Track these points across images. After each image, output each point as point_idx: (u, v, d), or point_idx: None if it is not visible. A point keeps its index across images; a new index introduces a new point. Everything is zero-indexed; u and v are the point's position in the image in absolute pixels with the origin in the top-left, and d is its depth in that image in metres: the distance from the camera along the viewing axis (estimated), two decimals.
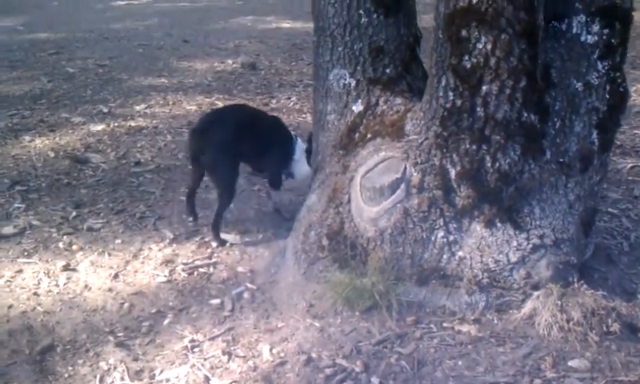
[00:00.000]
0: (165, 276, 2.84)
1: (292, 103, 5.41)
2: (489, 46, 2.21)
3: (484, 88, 2.26)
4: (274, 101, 5.48)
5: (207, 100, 5.50)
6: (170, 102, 5.47)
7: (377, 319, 2.41)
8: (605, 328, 2.33)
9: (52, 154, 4.29)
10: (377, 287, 2.41)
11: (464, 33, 2.23)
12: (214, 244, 3.10)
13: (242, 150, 3.11)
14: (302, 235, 2.66)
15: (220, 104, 5.32)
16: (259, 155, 3.21)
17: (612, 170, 3.89)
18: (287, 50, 7.48)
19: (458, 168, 2.38)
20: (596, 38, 2.40)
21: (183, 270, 2.87)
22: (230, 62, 6.84)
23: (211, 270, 2.88)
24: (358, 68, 2.74)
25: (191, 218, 3.30)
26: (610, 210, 3.39)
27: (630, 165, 3.98)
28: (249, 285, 2.73)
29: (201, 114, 5.13)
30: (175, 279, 2.82)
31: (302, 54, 7.13)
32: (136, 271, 2.90)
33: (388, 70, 2.75)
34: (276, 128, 3.26)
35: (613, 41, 2.42)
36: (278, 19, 9.31)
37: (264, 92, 5.72)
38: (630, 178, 3.80)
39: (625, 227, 3.21)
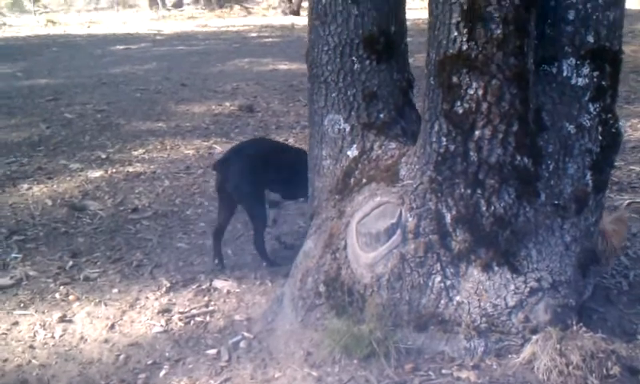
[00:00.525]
0: (161, 325, 2.82)
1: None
2: (480, 92, 2.23)
3: (477, 133, 2.28)
4: None
5: (205, 143, 5.53)
6: (168, 147, 5.49)
7: (375, 367, 2.38)
8: (605, 371, 2.30)
9: (50, 202, 4.30)
10: (374, 334, 2.39)
11: (455, 79, 2.25)
12: (265, 264, 3.23)
13: (268, 177, 3.23)
14: (299, 282, 2.65)
15: (218, 148, 5.35)
16: (288, 182, 3.30)
17: (609, 207, 3.88)
18: (284, 91, 7.55)
19: (454, 212, 2.38)
20: (586, 80, 2.43)
21: (180, 320, 2.85)
22: (227, 104, 6.90)
23: (208, 318, 2.86)
24: (352, 113, 2.76)
25: (217, 261, 3.31)
26: None
27: (628, 201, 3.98)
28: (246, 333, 2.71)
29: (198, 157, 5.16)
30: (172, 329, 2.80)
31: (298, 96, 7.19)
32: (132, 321, 2.88)
33: (382, 115, 2.77)
34: (302, 155, 3.28)
35: (603, 83, 2.45)
36: (274, 61, 9.42)
37: (261, 134, 5.76)
38: (628, 215, 3.79)
39: (623, 266, 3.20)
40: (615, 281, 3.06)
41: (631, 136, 5.30)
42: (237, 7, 21.79)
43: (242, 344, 2.64)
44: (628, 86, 6.86)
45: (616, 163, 4.59)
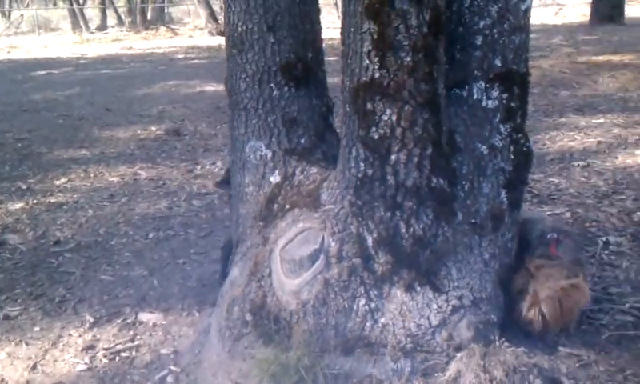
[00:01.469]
0: (85, 363, 2.74)
1: (217, 168, 5.41)
2: (394, 118, 2.28)
3: (393, 157, 2.33)
4: (198, 167, 5.47)
5: (130, 170, 5.44)
6: (92, 175, 5.38)
7: None
8: None
9: None
10: (302, 361, 2.39)
11: (369, 106, 2.30)
12: None
13: None
14: (226, 311, 2.63)
15: (143, 173, 5.28)
16: None
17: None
18: (211, 113, 7.51)
19: (375, 235, 2.42)
20: (496, 102, 2.52)
21: (104, 356, 2.78)
22: (153, 128, 6.82)
23: (134, 353, 2.80)
24: (273, 139, 2.78)
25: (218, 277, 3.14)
26: None
27: (547, 212, 4.12)
28: (172, 367, 2.67)
29: (123, 185, 5.07)
30: (96, 366, 2.73)
31: (226, 118, 7.15)
32: (55, 360, 2.79)
33: (303, 140, 2.80)
34: None
35: (512, 104, 2.54)
36: (201, 83, 9.36)
37: (188, 158, 5.71)
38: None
39: None
40: None
41: (550, 149, 5.51)
42: (162, 29, 21.57)
43: (169, 378, 2.60)
44: (547, 100, 7.13)
45: (535, 176, 4.80)
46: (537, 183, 4.67)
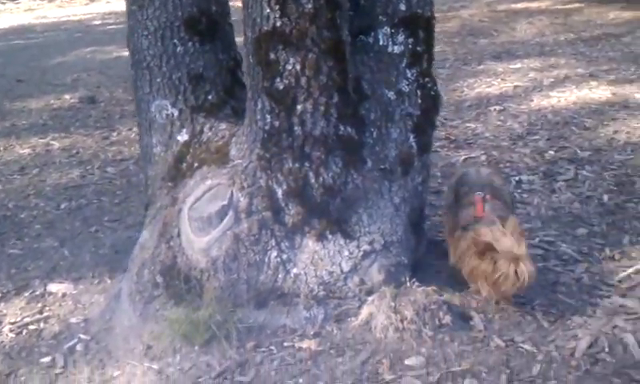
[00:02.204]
0: None
1: (134, 134, 5.26)
2: (298, 67, 2.25)
3: (299, 107, 2.30)
4: (114, 133, 5.31)
5: (42, 141, 5.24)
6: (1, 148, 5.15)
7: (216, 351, 2.37)
8: (437, 322, 2.43)
9: None
10: (214, 318, 2.38)
11: (272, 56, 2.25)
12: None
13: None
14: (136, 275, 2.58)
15: (56, 144, 5.09)
16: None
17: (447, 164, 4.10)
18: (128, 79, 7.21)
19: (284, 187, 2.40)
20: (402, 47, 2.52)
21: (11, 330, 2.69)
22: (67, 97, 6.56)
23: (42, 325, 2.71)
24: (180, 97, 2.71)
25: None
26: (444, 203, 3.55)
27: (463, 157, 4.20)
28: (82, 336, 2.60)
29: (34, 156, 4.88)
30: (2, 341, 2.63)
31: None
32: None
33: (210, 97, 2.74)
34: None
35: (418, 49, 2.55)
36: (118, 48, 8.99)
37: (104, 125, 5.53)
38: (463, 169, 4.00)
39: None
40: None
41: (468, 95, 5.58)
42: None
43: (79, 347, 2.54)
44: (466, 48, 7.20)
45: (454, 122, 4.87)
46: (454, 129, 4.73)
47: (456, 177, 2.98)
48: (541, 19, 8.15)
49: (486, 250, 2.41)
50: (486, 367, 2.27)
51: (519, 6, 9.16)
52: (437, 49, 7.51)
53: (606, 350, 2.30)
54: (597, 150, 4.06)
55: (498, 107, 5.12)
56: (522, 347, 2.36)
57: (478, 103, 5.30)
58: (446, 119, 4.96)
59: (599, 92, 5.23)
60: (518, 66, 6.28)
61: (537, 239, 3.08)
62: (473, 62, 6.61)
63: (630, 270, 2.71)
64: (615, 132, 4.35)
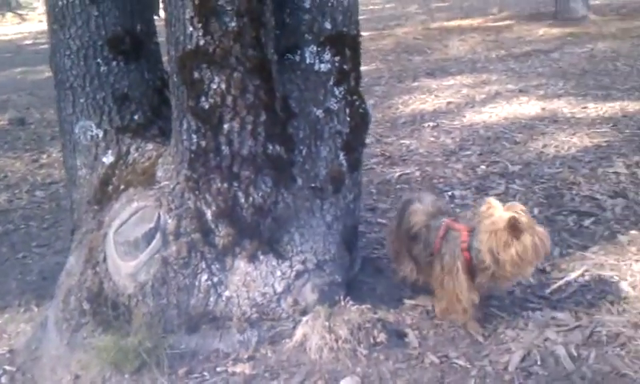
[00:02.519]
0: None
1: None
2: (223, 86, 2.22)
3: (225, 126, 2.27)
4: (44, 156, 5.16)
5: None
6: None
7: (147, 378, 2.30)
8: (372, 340, 2.42)
9: None
10: (144, 345, 2.31)
11: (197, 75, 2.22)
12: None
13: None
14: (62, 302, 2.49)
15: None
16: None
17: (382, 181, 4.13)
18: None
19: (213, 208, 2.36)
20: (329, 66, 2.52)
21: None
22: None
23: None
24: (104, 118, 2.64)
25: None
26: (379, 220, 3.57)
27: (398, 173, 4.23)
28: (7, 367, 2.50)
29: None
30: None
31: None
32: None
33: (136, 117, 2.68)
34: None
35: (345, 67, 2.56)
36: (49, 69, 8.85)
37: (33, 148, 5.38)
38: (399, 186, 4.05)
39: None
40: (385, 250, 3.22)
41: (402, 112, 5.66)
42: (9, 15, 20.15)
43: (4, 379, 2.43)
44: (401, 66, 7.32)
45: (389, 139, 4.92)
46: (389, 146, 4.78)
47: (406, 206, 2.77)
48: (473, 37, 8.36)
49: (517, 229, 2.27)
50: None
51: (452, 24, 9.38)
52: (372, 66, 7.69)
53: (539, 362, 2.34)
54: (527, 164, 4.17)
55: (431, 123, 5.21)
56: (456, 363, 2.37)
57: (412, 120, 5.38)
58: (381, 136, 5.02)
59: (529, 107, 5.38)
60: (451, 82, 6.42)
61: None
62: (407, 79, 6.73)
63: (561, 282, 2.77)
64: (544, 146, 4.47)
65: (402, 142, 4.87)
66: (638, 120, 4.81)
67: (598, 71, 6.29)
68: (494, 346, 2.45)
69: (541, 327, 2.53)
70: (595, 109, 5.18)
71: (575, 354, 2.36)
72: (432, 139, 4.86)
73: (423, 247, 2.59)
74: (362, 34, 8.10)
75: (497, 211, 2.35)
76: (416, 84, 6.50)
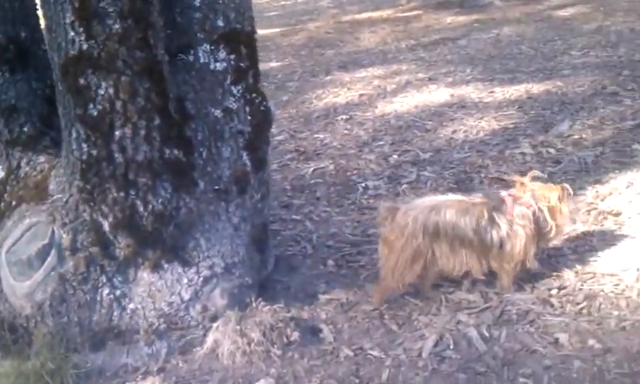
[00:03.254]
0: None
1: None
2: (111, 91, 2.14)
3: (117, 133, 2.18)
4: None
5: None
6: None
7: None
8: (286, 339, 2.40)
9: None
10: (46, 367, 2.21)
11: (82, 81, 2.13)
12: None
13: None
14: None
15: None
16: None
17: (296, 177, 4.10)
18: None
19: (111, 219, 2.27)
20: (225, 64, 2.47)
21: None
22: None
23: None
24: None
25: None
26: (294, 216, 3.54)
27: (313, 168, 4.21)
28: None
29: None
30: None
31: None
32: None
33: (26, 129, 2.55)
34: None
35: (242, 65, 2.51)
36: None
37: None
38: (313, 181, 4.02)
39: (308, 230, 3.36)
40: (300, 247, 3.20)
41: (316, 106, 5.63)
42: None
43: None
44: (313, 60, 7.29)
45: (303, 134, 4.89)
46: (304, 141, 4.75)
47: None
48: (383, 28, 8.42)
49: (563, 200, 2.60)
50: (335, 380, 2.26)
51: (363, 16, 9.44)
52: (285, 62, 7.62)
53: (452, 346, 2.36)
54: (437, 151, 4.22)
55: (344, 116, 5.20)
56: (370, 354, 2.37)
57: (326, 113, 5.36)
58: (295, 131, 4.99)
59: (438, 94, 5.45)
60: (363, 74, 6.44)
61: None
62: (321, 73, 6.70)
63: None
64: (454, 132, 4.54)
65: (316, 136, 4.85)
66: (542, 101, 4.95)
67: (504, 56, 6.44)
68: (407, 333, 2.47)
69: (453, 311, 2.56)
70: (502, 92, 5.29)
71: (487, 334, 2.40)
72: (345, 132, 4.86)
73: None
74: (274, 30, 8.05)
75: (538, 188, 2.62)
76: (329, 78, 6.49)
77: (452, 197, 2.71)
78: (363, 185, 3.84)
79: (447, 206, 2.55)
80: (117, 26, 2.09)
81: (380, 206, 2.75)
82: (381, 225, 2.67)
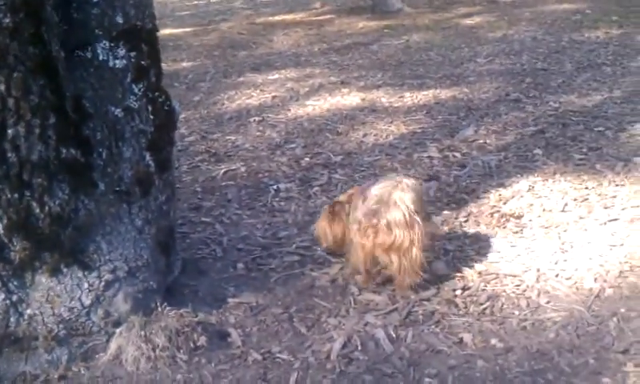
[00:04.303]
0: None
1: None
2: (2, 87, 2.02)
3: (10, 132, 2.07)
4: None
5: None
6: None
7: None
8: (192, 344, 2.35)
9: None
10: None
11: None
12: None
13: None
14: None
15: None
16: None
17: (207, 179, 4.04)
18: None
19: (5, 221, 2.14)
20: (125, 61, 2.40)
21: None
22: None
23: None
24: None
25: None
26: (204, 219, 3.49)
27: (224, 170, 4.16)
28: None
29: None
30: None
31: None
32: None
33: None
34: None
35: (143, 62, 2.45)
36: None
37: None
38: (224, 183, 3.98)
39: (218, 233, 3.32)
40: (210, 249, 3.15)
41: (228, 108, 5.59)
42: None
43: None
44: (226, 61, 7.23)
45: (215, 136, 4.83)
46: (215, 142, 4.70)
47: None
48: (296, 31, 8.47)
49: None
50: None
51: (276, 18, 9.45)
52: (197, 62, 7.55)
53: (359, 347, 2.38)
54: (348, 154, 4.27)
55: (257, 118, 5.19)
56: (279, 357, 2.36)
57: (238, 115, 5.33)
58: (206, 133, 4.93)
59: (350, 98, 5.53)
60: (276, 76, 6.45)
61: (293, 245, 3.13)
62: (233, 74, 6.67)
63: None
64: (365, 135, 4.61)
65: (228, 137, 4.81)
66: (449, 106, 5.10)
67: (413, 62, 6.59)
68: (316, 335, 2.47)
69: (361, 312, 2.58)
70: (411, 97, 5.42)
71: (394, 335, 2.44)
72: (258, 134, 4.84)
73: None
74: (186, 29, 7.96)
75: None
76: (242, 79, 6.46)
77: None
78: (275, 187, 3.83)
79: None
80: (7, 20, 1.97)
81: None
82: None
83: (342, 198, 2.89)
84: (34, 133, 2.10)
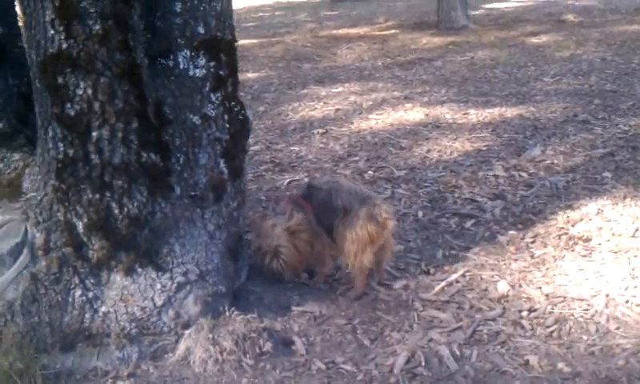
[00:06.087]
0: None
1: None
2: (89, 91, 2.11)
3: (94, 134, 2.16)
4: None
5: None
6: None
7: None
8: (258, 350, 2.37)
9: None
10: (15, 366, 2.16)
11: (60, 80, 2.10)
12: None
13: None
14: None
15: None
16: None
17: (271, 188, 4.09)
18: None
19: (85, 220, 2.24)
20: (204, 71, 2.46)
21: None
22: None
23: None
24: None
25: None
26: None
27: (288, 180, 4.21)
28: None
29: None
30: None
31: None
32: None
33: (1, 125, 2.52)
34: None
35: (221, 72, 2.51)
36: None
37: None
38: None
39: None
40: None
41: (292, 119, 5.66)
42: None
43: None
44: (290, 73, 7.33)
45: (279, 146, 4.90)
46: (279, 152, 4.76)
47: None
48: (360, 45, 8.51)
49: None
50: None
51: (340, 32, 9.52)
52: (262, 73, 7.65)
53: (423, 363, 2.36)
54: (411, 169, 4.26)
55: (320, 130, 5.23)
56: (342, 368, 2.36)
57: (301, 126, 5.39)
58: (270, 143, 4.99)
59: (413, 113, 5.51)
60: (340, 89, 6.49)
61: None
62: (297, 86, 6.74)
63: (443, 284, 2.82)
64: (428, 151, 4.58)
65: (292, 148, 4.86)
66: (515, 125, 5.04)
67: (478, 78, 6.54)
68: (380, 349, 2.46)
69: (425, 328, 2.57)
70: (476, 114, 5.37)
71: (458, 353, 2.41)
72: (321, 146, 4.88)
73: None
74: (252, 41, 8.11)
75: None
76: (305, 91, 6.53)
77: None
78: None
79: None
80: (97, 27, 2.07)
81: None
82: None
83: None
84: (117, 136, 2.18)
